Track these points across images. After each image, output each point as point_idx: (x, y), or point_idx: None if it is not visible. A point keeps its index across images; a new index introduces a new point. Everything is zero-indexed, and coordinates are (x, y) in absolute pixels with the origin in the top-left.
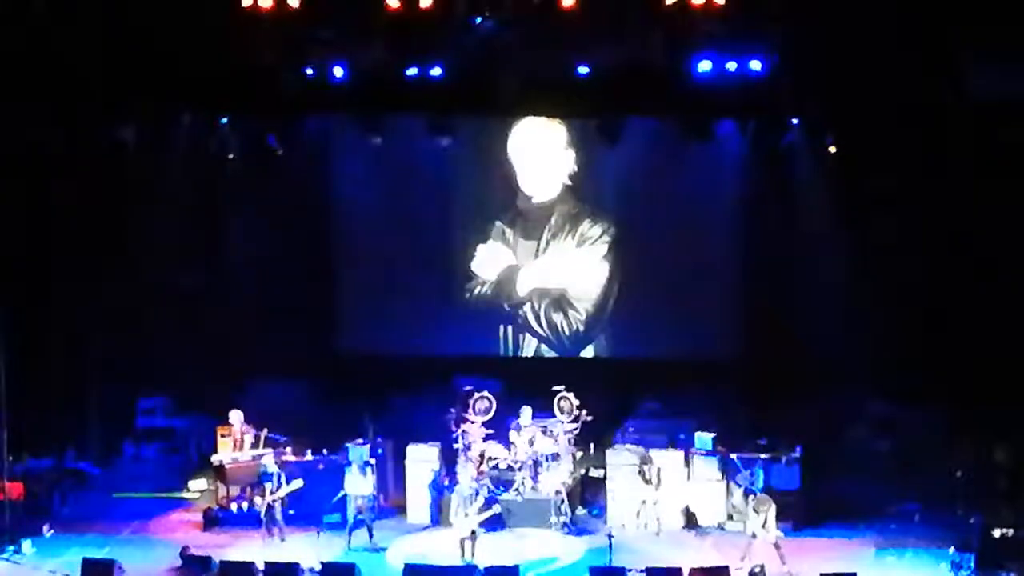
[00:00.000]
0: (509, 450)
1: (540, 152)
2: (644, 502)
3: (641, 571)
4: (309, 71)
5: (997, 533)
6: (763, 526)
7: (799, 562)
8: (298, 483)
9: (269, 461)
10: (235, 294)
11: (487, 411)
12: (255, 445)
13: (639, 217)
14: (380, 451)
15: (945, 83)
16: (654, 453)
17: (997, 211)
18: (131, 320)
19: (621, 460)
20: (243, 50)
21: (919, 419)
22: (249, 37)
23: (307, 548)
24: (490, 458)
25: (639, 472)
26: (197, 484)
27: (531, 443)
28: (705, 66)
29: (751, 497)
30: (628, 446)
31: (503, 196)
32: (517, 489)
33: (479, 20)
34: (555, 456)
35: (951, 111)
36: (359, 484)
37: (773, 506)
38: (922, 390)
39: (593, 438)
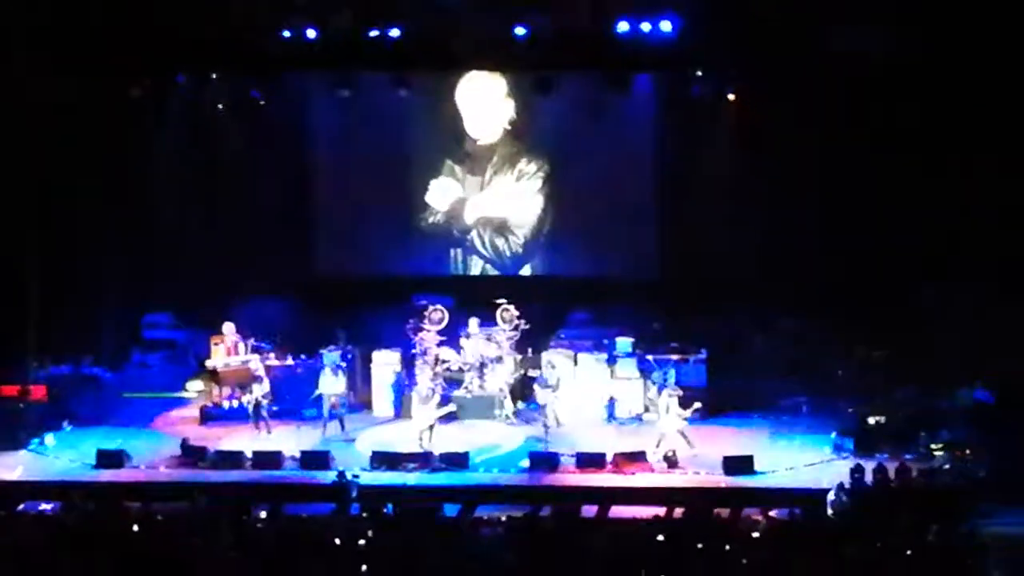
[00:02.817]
0: (459, 354)
1: (484, 101)
2: (544, 404)
3: (572, 455)
4: (286, 33)
5: (872, 421)
6: (677, 416)
7: (705, 446)
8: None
9: (256, 365)
10: (226, 225)
11: (440, 322)
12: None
13: (569, 156)
14: (350, 356)
15: (815, 38)
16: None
17: (870, 148)
18: (139, 248)
19: (554, 362)
20: (230, 16)
21: (806, 327)
22: (236, 6)
23: (288, 439)
24: (443, 361)
25: (537, 382)
26: (194, 386)
27: (478, 348)
28: (623, 27)
29: (664, 392)
30: (559, 350)
31: (452, 139)
32: (466, 387)
33: None
34: (499, 359)
35: (820, 62)
36: (332, 384)
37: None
38: (809, 302)
39: (531, 344)
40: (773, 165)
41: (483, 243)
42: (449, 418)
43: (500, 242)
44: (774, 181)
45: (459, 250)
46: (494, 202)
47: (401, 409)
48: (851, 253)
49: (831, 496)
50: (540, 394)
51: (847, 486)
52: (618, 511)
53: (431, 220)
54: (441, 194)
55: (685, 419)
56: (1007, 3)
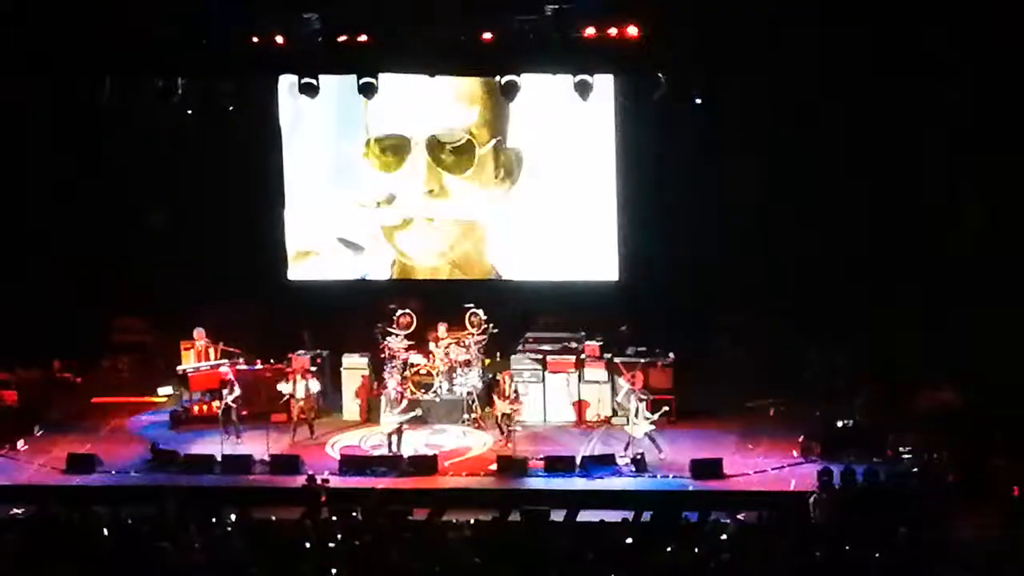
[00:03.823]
0: (428, 359)
1: (450, 105)
2: (505, 415)
3: (540, 458)
4: (255, 39)
5: (839, 424)
6: (645, 420)
7: (673, 450)
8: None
9: (226, 370)
10: (196, 229)
11: (409, 326)
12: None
13: (535, 160)
14: (319, 360)
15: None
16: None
17: (834, 150)
18: (110, 253)
19: (522, 367)
20: (197, 21)
21: (772, 330)
22: (205, 11)
23: (258, 443)
24: (412, 365)
25: (494, 391)
26: (164, 390)
27: (446, 352)
28: (589, 31)
29: (632, 396)
30: (527, 354)
31: (419, 143)
32: (435, 391)
33: None
34: (467, 363)
35: (786, 65)
36: (302, 388)
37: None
38: (774, 305)
39: (499, 348)
40: (739, 168)
41: (451, 247)
42: (417, 422)
43: (467, 245)
44: (739, 184)
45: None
46: (460, 206)
47: (370, 413)
48: (818, 255)
49: (813, 499)
50: (499, 405)
51: (827, 488)
52: (586, 515)
53: (398, 223)
54: (408, 198)
55: (653, 423)
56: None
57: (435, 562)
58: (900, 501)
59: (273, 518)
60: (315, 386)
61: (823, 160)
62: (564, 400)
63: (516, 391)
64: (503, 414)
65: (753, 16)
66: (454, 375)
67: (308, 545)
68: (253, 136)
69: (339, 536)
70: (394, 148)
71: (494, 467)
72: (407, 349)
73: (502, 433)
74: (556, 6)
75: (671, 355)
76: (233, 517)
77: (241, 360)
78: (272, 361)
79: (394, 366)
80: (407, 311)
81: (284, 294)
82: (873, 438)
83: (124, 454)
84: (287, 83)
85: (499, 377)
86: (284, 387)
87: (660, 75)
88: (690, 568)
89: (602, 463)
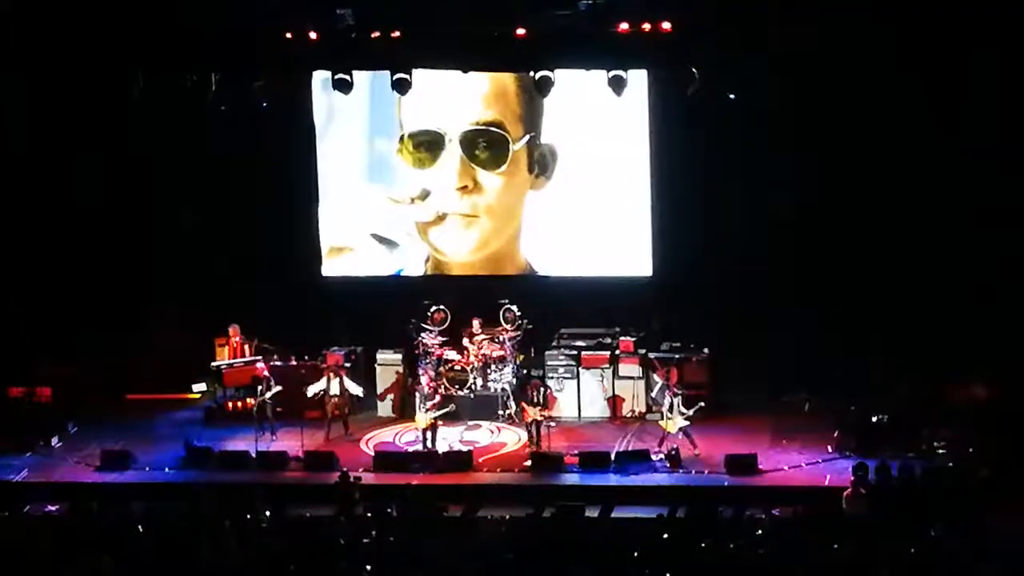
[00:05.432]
0: (462, 355)
1: (481, 100)
2: (535, 422)
3: (575, 454)
4: (288, 35)
5: (874, 419)
6: (679, 415)
7: (708, 446)
8: (277, 388)
9: (261, 366)
10: (230, 225)
11: (443, 322)
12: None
13: (569, 155)
14: (354, 357)
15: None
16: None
17: (868, 145)
18: (145, 250)
19: (556, 363)
20: (231, 18)
21: (804, 325)
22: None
23: (292, 440)
24: (446, 361)
25: (522, 400)
26: (199, 386)
27: (480, 348)
28: (624, 27)
29: (668, 391)
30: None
31: (450, 137)
32: (469, 387)
33: None
34: (501, 359)
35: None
36: (336, 384)
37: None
38: (808, 300)
39: (533, 343)
40: (772, 164)
41: (484, 243)
42: (452, 418)
43: (501, 241)
44: (773, 179)
45: None
46: (494, 202)
47: (404, 410)
48: (853, 251)
49: (846, 494)
50: (530, 411)
51: (862, 483)
52: (621, 511)
53: (432, 220)
54: (441, 194)
55: (688, 418)
56: None
57: (469, 558)
58: (935, 496)
59: (308, 515)
60: (354, 388)
61: (858, 155)
62: (598, 396)
63: (544, 396)
64: (534, 420)
65: (788, 11)
66: (488, 371)
67: (342, 542)
68: (287, 132)
69: (373, 533)
70: (428, 144)
71: (528, 463)
72: (441, 345)
73: (531, 438)
74: (590, 1)
75: (705, 350)
76: (268, 514)
77: (275, 357)
78: (307, 358)
79: (428, 362)
80: (441, 307)
81: (318, 290)
82: (908, 433)
83: (158, 451)
84: (320, 79)
85: (528, 385)
86: (316, 387)
87: (694, 70)
88: (725, 564)
89: (637, 459)
